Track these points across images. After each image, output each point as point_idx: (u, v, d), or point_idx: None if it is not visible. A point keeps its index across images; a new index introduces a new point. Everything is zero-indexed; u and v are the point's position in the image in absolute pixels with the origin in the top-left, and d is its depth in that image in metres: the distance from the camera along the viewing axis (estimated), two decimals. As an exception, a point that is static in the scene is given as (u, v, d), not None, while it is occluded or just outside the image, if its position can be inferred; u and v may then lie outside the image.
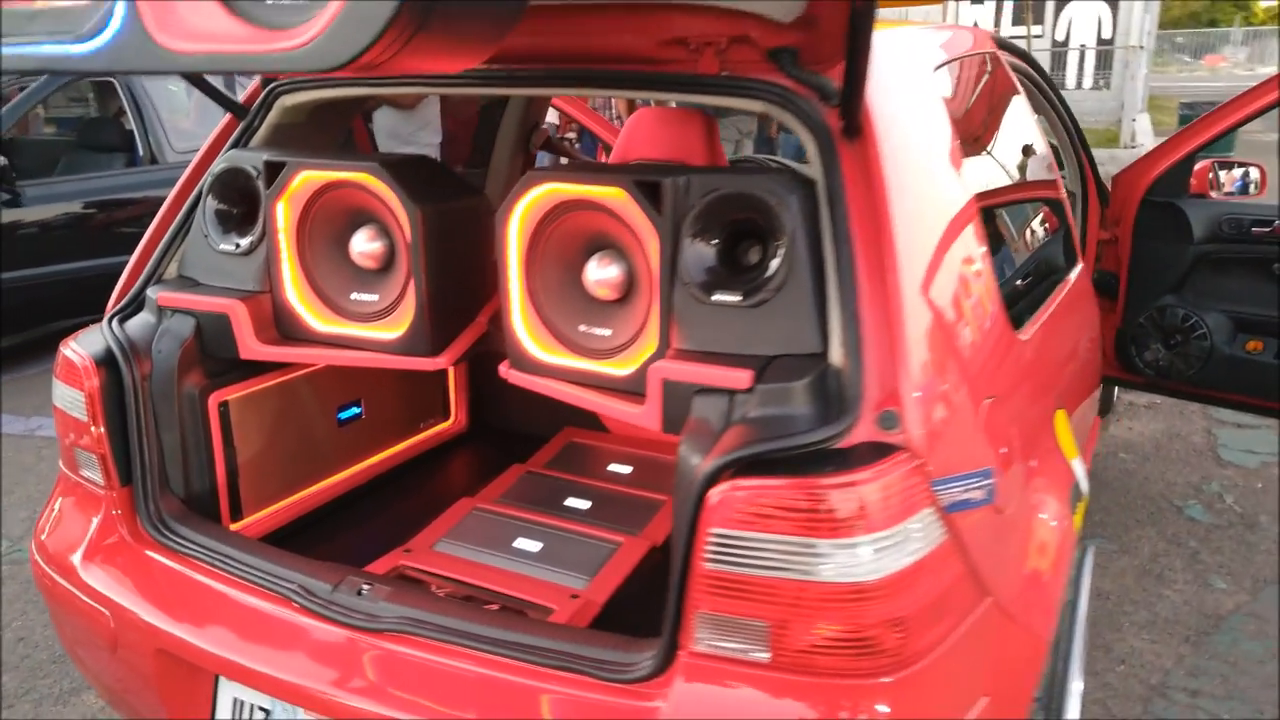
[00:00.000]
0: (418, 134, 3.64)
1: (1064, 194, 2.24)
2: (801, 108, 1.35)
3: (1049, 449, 1.59)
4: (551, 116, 4.39)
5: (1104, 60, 15.37)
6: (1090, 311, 2.22)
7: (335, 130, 2.12)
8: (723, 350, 1.35)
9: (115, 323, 1.72)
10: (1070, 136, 3.15)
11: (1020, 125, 2.10)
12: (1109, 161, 10.78)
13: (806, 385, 1.25)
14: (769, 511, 1.15)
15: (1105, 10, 15.13)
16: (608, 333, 1.53)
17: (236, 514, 1.86)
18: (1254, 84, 2.98)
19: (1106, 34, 15.26)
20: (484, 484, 2.17)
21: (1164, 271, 3.21)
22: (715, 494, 1.17)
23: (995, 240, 1.64)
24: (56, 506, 1.78)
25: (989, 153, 1.85)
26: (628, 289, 1.51)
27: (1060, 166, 3.32)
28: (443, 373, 2.36)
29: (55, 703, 2.33)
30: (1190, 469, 3.52)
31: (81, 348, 1.67)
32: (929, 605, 1.20)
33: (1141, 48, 14.17)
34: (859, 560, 1.14)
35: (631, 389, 1.45)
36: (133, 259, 1.85)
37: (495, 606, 1.71)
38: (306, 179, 1.67)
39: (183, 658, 1.49)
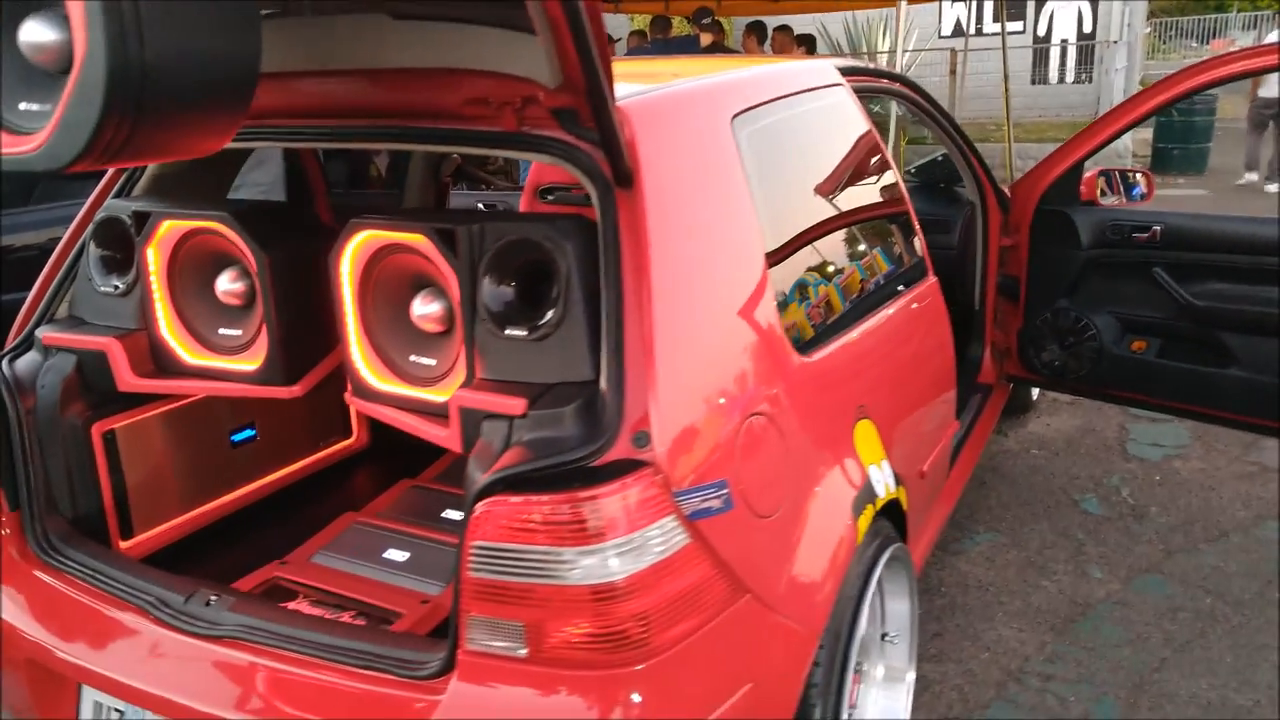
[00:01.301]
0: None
1: (910, 216, 2.38)
2: (581, 160, 1.50)
3: (840, 457, 1.74)
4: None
5: (1085, 55, 15.45)
6: (935, 322, 2.36)
7: (225, 173, 2.28)
8: (514, 379, 1.51)
9: (5, 361, 1.89)
10: (962, 150, 3.30)
11: (859, 153, 2.25)
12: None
13: (573, 410, 1.41)
14: (521, 524, 1.31)
15: (1086, 6, 15.23)
16: (433, 362, 1.70)
17: (127, 533, 2.03)
18: (1140, 90, 3.12)
19: (1088, 29, 15.35)
20: (375, 498, 2.34)
21: (1058, 276, 3.37)
22: (478, 509, 1.33)
23: (792, 272, 1.79)
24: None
25: (805, 186, 2.00)
26: (450, 322, 1.67)
27: (959, 180, 3.48)
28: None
29: None
30: (1096, 463, 3.66)
31: (-32, 384, 1.84)
32: (674, 601, 1.36)
33: (1115, 42, 14.24)
34: (602, 565, 1.30)
35: (444, 414, 1.61)
36: (28, 300, 2.02)
37: (351, 613, 1.88)
38: (171, 226, 1.84)
39: (49, 667, 1.66)
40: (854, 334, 1.92)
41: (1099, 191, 3.41)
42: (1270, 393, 2.91)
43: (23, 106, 1.04)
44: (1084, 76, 15.54)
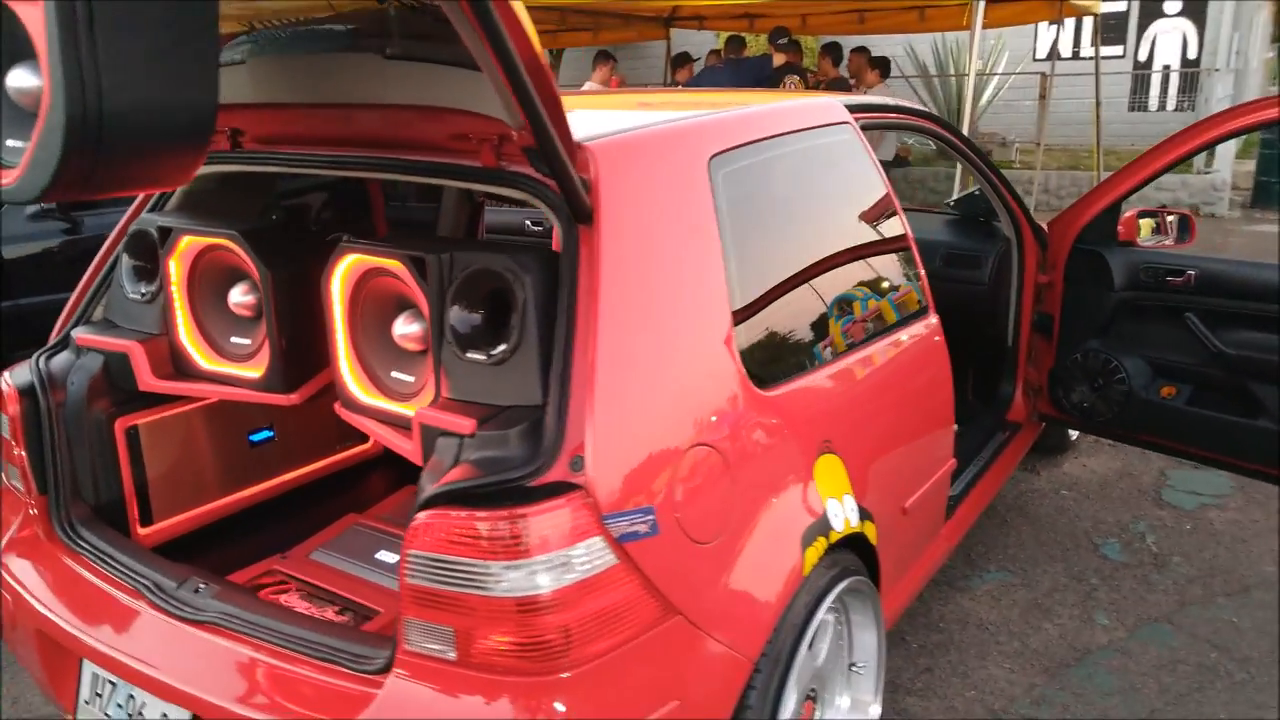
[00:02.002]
0: None
1: (912, 255, 2.41)
2: (548, 197, 1.60)
3: (795, 489, 1.80)
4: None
5: (1189, 82, 14.95)
6: (929, 360, 2.38)
7: (257, 195, 2.43)
8: (473, 399, 1.62)
9: (42, 358, 2.08)
10: (996, 188, 3.30)
11: (852, 193, 2.30)
12: (1180, 188, 10.61)
13: (518, 432, 1.51)
14: (455, 537, 1.41)
15: (1192, 31, 14.74)
16: (411, 379, 1.81)
17: (146, 520, 2.19)
18: (1183, 128, 3.09)
19: (1193, 54, 14.84)
20: (380, 502, 2.48)
21: (1090, 316, 3.34)
22: (418, 520, 1.43)
23: (762, 310, 1.85)
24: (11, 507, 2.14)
25: (787, 226, 2.06)
26: (427, 343, 1.79)
27: (997, 215, 3.47)
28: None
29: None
30: (1126, 508, 3.59)
31: (10, 379, 2.03)
32: (599, 617, 1.44)
33: (1217, 70, 13.73)
34: (528, 579, 1.39)
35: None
36: (69, 303, 2.21)
37: (335, 608, 2.01)
38: (190, 241, 2.00)
39: (56, 640, 1.83)
40: (824, 371, 1.97)
41: (1137, 232, 3.37)
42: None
43: (9, 143, 1.18)
44: (1185, 104, 15.03)
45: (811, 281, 2.06)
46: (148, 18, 1.11)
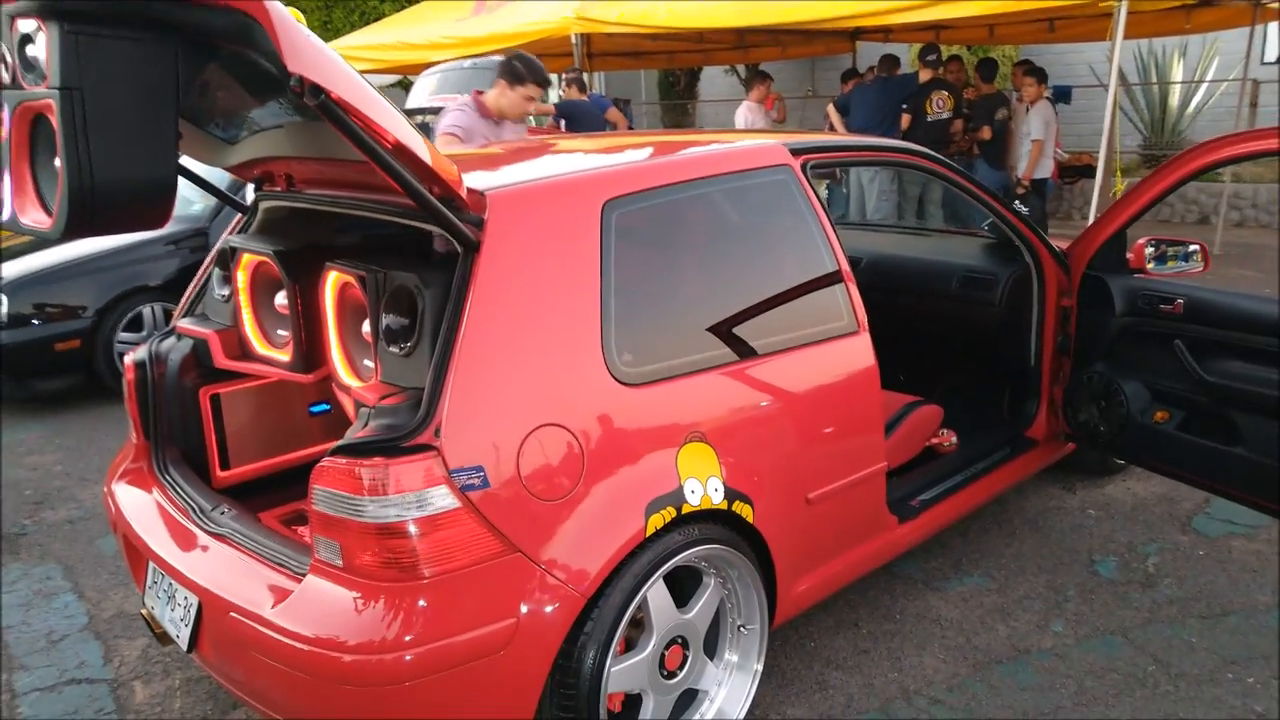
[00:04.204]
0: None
1: (836, 282, 2.72)
2: (453, 230, 2.13)
3: (651, 467, 2.22)
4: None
5: None
6: (841, 371, 2.68)
7: (323, 226, 3.07)
8: (394, 382, 2.17)
9: (154, 341, 2.84)
10: (1006, 222, 3.50)
11: (766, 229, 2.67)
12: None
13: (406, 406, 2.05)
14: (341, 477, 1.96)
15: None
16: (372, 365, 2.39)
17: (225, 465, 2.91)
18: (1180, 152, 3.19)
19: None
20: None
21: (1098, 340, 3.47)
22: (322, 462, 2.00)
23: (641, 326, 2.28)
24: (126, 449, 2.93)
25: (682, 257, 2.48)
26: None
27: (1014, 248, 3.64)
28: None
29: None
30: (1147, 531, 3.65)
31: (131, 357, 2.79)
32: (444, 543, 1.94)
33: None
34: (386, 510, 1.92)
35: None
36: (181, 301, 2.97)
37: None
38: (248, 258, 2.68)
39: (135, 544, 2.55)
40: (699, 377, 2.36)
41: (1147, 260, 3.46)
42: (1270, 475, 2.90)
43: (53, 202, 1.86)
44: None
45: (701, 304, 2.46)
46: (120, 125, 1.75)
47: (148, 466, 2.77)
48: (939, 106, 8.34)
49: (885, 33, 12.14)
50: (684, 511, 2.25)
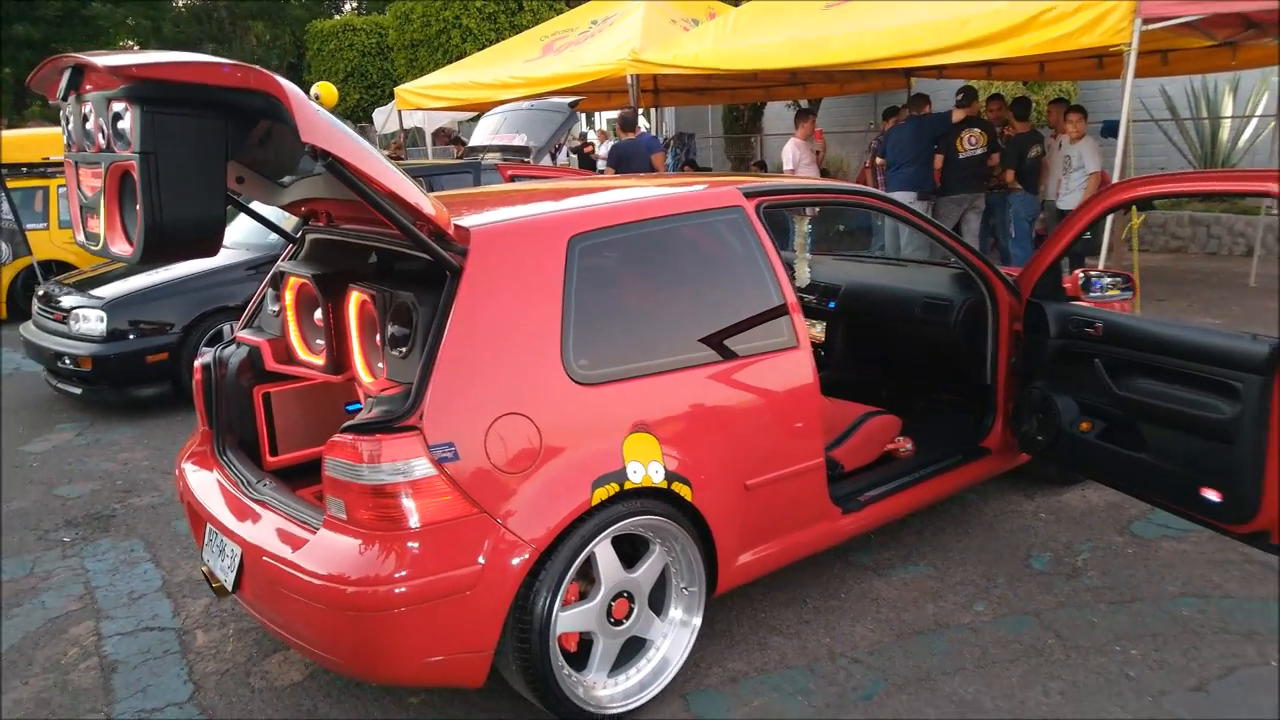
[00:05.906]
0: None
1: (777, 308, 3.22)
2: (440, 259, 2.71)
3: (599, 450, 2.74)
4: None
5: None
6: (780, 379, 3.17)
7: (354, 254, 3.69)
8: (396, 379, 2.75)
9: (218, 348, 3.48)
10: (958, 252, 3.96)
11: (719, 262, 3.19)
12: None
13: (399, 396, 2.62)
14: (346, 448, 2.54)
15: None
16: (384, 367, 2.98)
17: (274, 451, 3.53)
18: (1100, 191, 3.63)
19: None
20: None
21: (1039, 359, 3.89)
22: (334, 438, 2.58)
23: (595, 341, 2.81)
24: (193, 435, 3.57)
25: (635, 285, 3.01)
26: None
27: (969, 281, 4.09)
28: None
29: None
30: (1087, 532, 4.03)
31: (198, 361, 3.44)
32: (424, 504, 2.50)
33: None
34: (378, 475, 2.49)
35: (377, 396, 2.87)
36: (242, 315, 3.61)
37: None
38: (293, 280, 3.31)
39: (196, 510, 3.17)
40: (643, 380, 2.88)
41: (1083, 289, 3.87)
42: (1170, 478, 3.29)
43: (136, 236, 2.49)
44: None
45: (651, 321, 2.99)
46: (183, 178, 2.37)
47: (210, 450, 3.40)
48: (971, 144, 8.70)
49: (938, 70, 12.51)
50: (626, 487, 2.77)
